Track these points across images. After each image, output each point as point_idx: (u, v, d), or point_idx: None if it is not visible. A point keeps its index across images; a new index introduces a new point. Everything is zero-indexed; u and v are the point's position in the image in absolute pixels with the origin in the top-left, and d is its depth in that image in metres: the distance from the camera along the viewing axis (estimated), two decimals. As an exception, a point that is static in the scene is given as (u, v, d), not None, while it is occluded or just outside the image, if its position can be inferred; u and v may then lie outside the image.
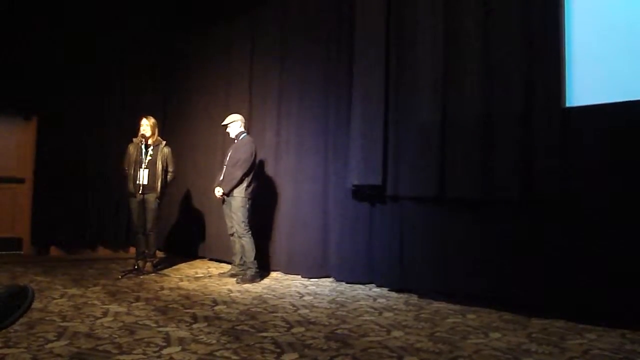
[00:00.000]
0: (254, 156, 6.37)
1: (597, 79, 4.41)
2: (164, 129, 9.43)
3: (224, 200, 6.40)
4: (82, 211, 8.73)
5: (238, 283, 6.04)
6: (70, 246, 8.65)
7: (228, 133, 6.66)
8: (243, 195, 6.27)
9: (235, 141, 6.55)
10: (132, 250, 6.84)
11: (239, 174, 6.22)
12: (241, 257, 6.40)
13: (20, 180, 8.47)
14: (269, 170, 7.37)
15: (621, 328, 3.91)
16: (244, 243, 6.28)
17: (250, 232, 6.27)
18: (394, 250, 5.67)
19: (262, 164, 7.49)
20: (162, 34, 9.51)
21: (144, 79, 9.51)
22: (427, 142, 5.33)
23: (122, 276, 6.13)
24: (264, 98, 7.63)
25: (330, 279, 6.37)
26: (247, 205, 6.31)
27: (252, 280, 6.15)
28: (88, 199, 8.81)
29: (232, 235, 6.44)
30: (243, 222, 6.24)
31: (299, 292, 5.48)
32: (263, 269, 6.73)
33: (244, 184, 6.28)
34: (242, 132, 6.57)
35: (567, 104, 4.53)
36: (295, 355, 3.15)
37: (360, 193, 6.08)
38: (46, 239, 8.50)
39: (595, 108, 4.35)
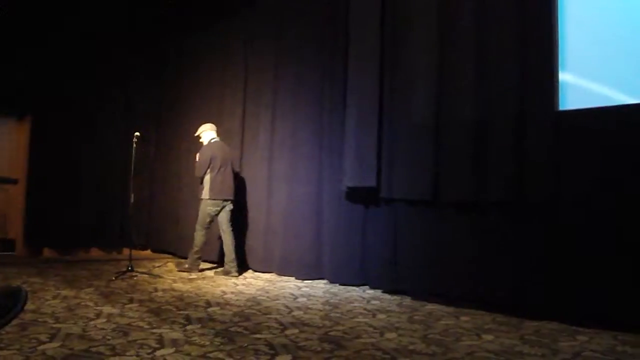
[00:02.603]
0: (209, 160, 6.75)
1: (590, 83, 4.44)
2: (158, 131, 9.48)
3: None
4: (75, 212, 8.71)
5: (179, 269, 6.98)
6: (63, 247, 8.63)
7: (202, 143, 7.05)
8: (207, 197, 6.73)
9: None
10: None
11: (195, 175, 6.86)
12: (232, 253, 6.78)
13: (14, 181, 8.43)
14: (263, 172, 7.37)
15: (613, 330, 3.92)
16: (194, 235, 6.80)
17: (203, 232, 6.77)
18: (388, 252, 5.68)
19: (255, 165, 7.51)
20: (157, 35, 9.51)
21: (138, 80, 9.52)
22: (421, 145, 5.34)
23: (115, 277, 6.12)
24: (258, 99, 7.64)
25: (324, 281, 6.37)
26: (210, 208, 6.73)
27: (191, 270, 6.79)
28: (81, 200, 8.79)
29: (219, 236, 6.96)
30: (199, 222, 6.78)
31: (292, 294, 5.48)
32: (259, 270, 6.75)
33: (207, 187, 6.71)
34: (212, 139, 7.04)
35: (560, 107, 4.55)
36: (289, 357, 3.15)
37: (354, 195, 6.08)
38: (39, 240, 8.47)
39: (588, 112, 4.38)
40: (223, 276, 6.64)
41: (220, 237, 6.94)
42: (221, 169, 6.78)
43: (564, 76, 4.57)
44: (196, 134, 7.13)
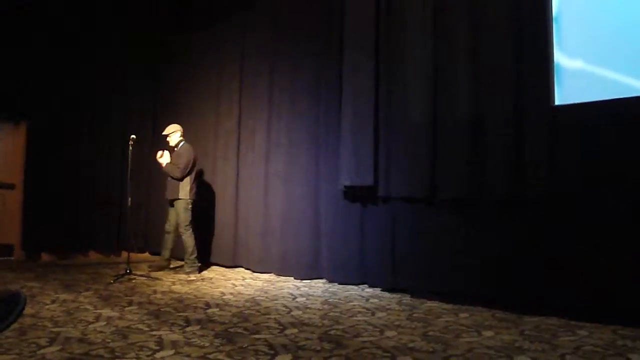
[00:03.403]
0: (192, 163, 7.01)
1: (586, 77, 4.45)
2: (154, 132, 9.46)
3: (172, 204, 7.04)
4: (73, 216, 8.68)
5: (186, 273, 6.83)
6: (61, 251, 8.60)
7: (168, 142, 7.16)
8: (188, 197, 6.94)
9: (175, 149, 7.12)
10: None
11: (176, 175, 6.88)
12: (170, 252, 7.17)
13: (10, 186, 8.40)
14: (260, 172, 7.37)
15: (613, 324, 3.94)
16: (184, 239, 6.94)
17: (190, 231, 6.93)
18: (386, 250, 5.68)
19: (252, 165, 7.51)
20: (153, 36, 9.48)
21: (134, 81, 9.49)
22: (418, 143, 5.34)
23: (114, 280, 6.11)
24: (255, 100, 7.63)
25: (323, 280, 6.37)
26: (190, 207, 6.96)
27: (190, 273, 6.84)
28: (79, 203, 8.77)
29: (168, 232, 7.12)
30: (186, 223, 6.92)
31: (291, 294, 5.47)
32: (257, 270, 6.76)
33: (187, 188, 6.90)
34: (181, 141, 7.19)
35: (557, 102, 4.56)
36: (289, 357, 3.15)
37: (351, 194, 6.09)
38: (37, 244, 8.44)
39: (585, 106, 4.39)
40: (183, 275, 6.83)
41: (168, 233, 7.15)
42: (195, 172, 7.14)
43: (559, 70, 4.57)
44: (165, 133, 7.23)
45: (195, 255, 6.96)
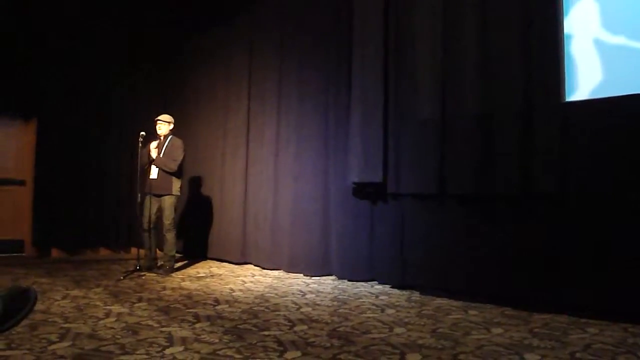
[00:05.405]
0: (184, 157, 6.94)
1: (596, 73, 4.41)
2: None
3: (156, 196, 6.70)
4: (83, 212, 8.73)
5: (160, 275, 6.45)
6: (71, 247, 8.65)
7: (157, 129, 6.85)
8: (179, 193, 6.81)
9: (162, 138, 6.84)
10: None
11: (173, 167, 6.64)
12: (155, 251, 6.89)
13: (21, 182, 8.47)
14: (269, 168, 7.37)
15: (623, 322, 3.91)
16: (169, 237, 6.70)
17: (174, 230, 6.76)
18: (396, 247, 5.67)
19: (261, 163, 7.51)
20: (162, 34, 9.49)
21: (142, 80, 9.51)
22: (427, 139, 5.32)
23: (123, 277, 6.14)
24: (263, 96, 7.64)
25: (332, 277, 6.37)
26: (176, 203, 6.82)
27: (172, 271, 6.65)
28: (89, 199, 8.81)
29: (146, 231, 6.73)
30: (172, 218, 6.71)
31: (301, 291, 5.48)
32: (267, 267, 6.80)
33: (179, 184, 6.75)
34: (170, 134, 6.90)
35: (567, 99, 4.53)
36: (298, 354, 3.15)
37: (361, 191, 6.08)
38: (47, 240, 8.49)
39: (595, 102, 4.35)
40: (155, 274, 6.51)
41: (150, 231, 6.76)
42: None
43: (570, 66, 4.54)
44: (161, 119, 6.86)
45: (175, 256, 6.87)
